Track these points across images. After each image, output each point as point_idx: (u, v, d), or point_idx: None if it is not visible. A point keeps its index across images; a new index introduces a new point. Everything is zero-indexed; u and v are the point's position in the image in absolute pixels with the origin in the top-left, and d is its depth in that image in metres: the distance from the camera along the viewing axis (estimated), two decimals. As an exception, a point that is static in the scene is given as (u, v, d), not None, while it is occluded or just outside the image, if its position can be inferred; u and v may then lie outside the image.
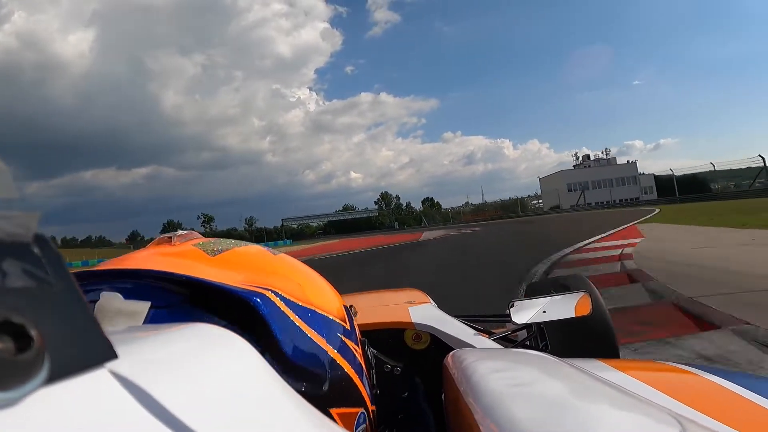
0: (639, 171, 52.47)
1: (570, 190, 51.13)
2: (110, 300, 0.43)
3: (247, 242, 0.60)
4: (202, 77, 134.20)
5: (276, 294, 0.47)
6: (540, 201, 59.53)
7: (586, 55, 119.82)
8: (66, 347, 0.16)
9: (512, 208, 55.39)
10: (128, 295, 0.44)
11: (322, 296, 0.56)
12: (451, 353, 0.62)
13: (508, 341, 1.19)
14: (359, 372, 0.56)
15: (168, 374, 0.23)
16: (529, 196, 58.41)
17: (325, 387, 0.49)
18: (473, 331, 1.06)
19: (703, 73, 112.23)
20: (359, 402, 0.54)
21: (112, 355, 0.18)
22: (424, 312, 1.13)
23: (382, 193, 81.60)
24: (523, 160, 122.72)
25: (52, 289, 0.17)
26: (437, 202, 72.93)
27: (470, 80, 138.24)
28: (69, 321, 0.17)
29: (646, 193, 48.08)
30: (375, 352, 0.84)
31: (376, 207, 78.59)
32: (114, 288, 0.44)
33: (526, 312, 1.02)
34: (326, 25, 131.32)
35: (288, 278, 0.53)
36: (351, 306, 0.88)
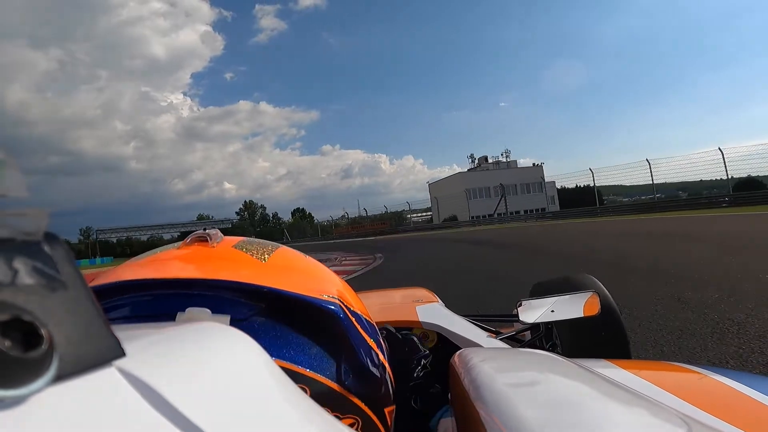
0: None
1: (472, 197, 39.77)
2: (199, 315, 0.42)
3: (276, 244, 0.59)
4: (57, 74, 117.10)
5: (341, 302, 0.47)
6: (423, 214, 46.89)
7: (458, 76, 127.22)
8: (75, 345, 0.17)
9: (395, 221, 43.38)
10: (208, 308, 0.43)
11: (357, 300, 0.56)
12: (457, 352, 0.62)
13: (515, 341, 1.17)
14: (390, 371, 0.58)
15: (177, 372, 0.23)
16: (405, 210, 44.37)
17: (383, 389, 0.51)
18: (480, 331, 1.06)
19: (556, 100, 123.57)
20: (394, 399, 0.56)
21: (121, 353, 0.18)
22: (431, 311, 1.12)
23: (245, 201, 74.77)
24: (399, 175, 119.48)
25: (62, 288, 0.17)
26: (309, 213, 62.13)
27: (351, 94, 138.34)
28: (78, 319, 0.17)
29: (552, 203, 40.28)
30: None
31: (238, 217, 71.48)
32: (195, 301, 0.42)
33: (534, 311, 0.99)
34: (208, 28, 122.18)
35: (335, 283, 0.53)
36: None
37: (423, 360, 0.83)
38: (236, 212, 72.83)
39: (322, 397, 0.43)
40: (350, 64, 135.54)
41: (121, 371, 0.19)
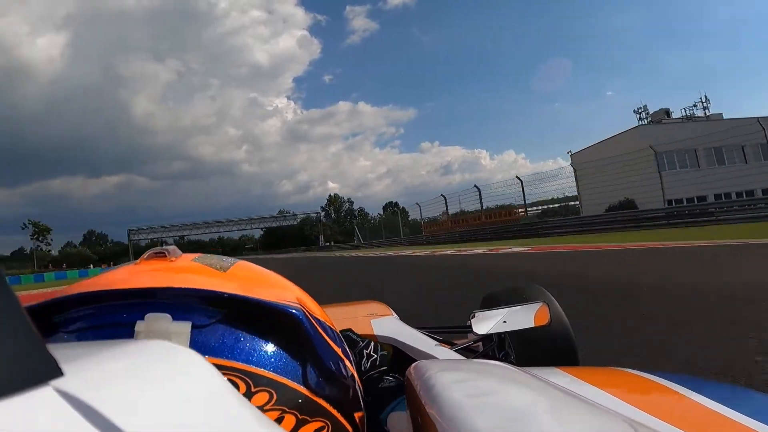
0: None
1: (667, 166, 21.71)
2: (159, 321, 0.42)
3: (235, 258, 0.59)
4: (176, 84, 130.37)
5: (303, 307, 0.48)
6: (545, 206, 27.57)
7: (557, 67, 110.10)
8: (7, 366, 0.16)
9: (502, 215, 26.96)
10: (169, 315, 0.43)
11: (319, 309, 0.58)
12: (413, 365, 0.62)
13: (469, 351, 1.21)
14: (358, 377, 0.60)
15: (118, 390, 0.23)
16: (512, 204, 27.02)
17: (351, 393, 0.52)
18: (435, 343, 1.08)
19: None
20: (363, 405, 0.58)
21: (58, 372, 0.18)
22: (386, 324, 1.16)
23: (330, 195, 70.94)
24: (500, 170, 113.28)
25: None
26: (402, 208, 47.26)
27: (447, 90, 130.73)
28: (11, 339, 0.17)
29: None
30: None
31: (323, 212, 66.83)
32: (154, 308, 0.42)
33: (487, 322, 1.03)
34: (305, 32, 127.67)
35: (294, 291, 0.55)
36: None
37: (364, 351, 0.86)
38: (321, 207, 70.23)
39: (290, 401, 0.44)
40: (444, 60, 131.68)
41: (59, 391, 0.19)
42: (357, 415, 0.53)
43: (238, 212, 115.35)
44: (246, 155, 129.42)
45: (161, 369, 0.28)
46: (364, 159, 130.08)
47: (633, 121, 32.53)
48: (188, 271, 0.50)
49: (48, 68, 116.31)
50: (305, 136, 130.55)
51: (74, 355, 0.27)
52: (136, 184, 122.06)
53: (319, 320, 0.52)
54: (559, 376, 0.58)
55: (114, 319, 0.42)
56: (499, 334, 1.14)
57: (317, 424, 0.46)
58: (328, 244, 54.26)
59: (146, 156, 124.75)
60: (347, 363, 0.54)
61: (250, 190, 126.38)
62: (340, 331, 0.85)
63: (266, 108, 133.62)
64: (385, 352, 0.89)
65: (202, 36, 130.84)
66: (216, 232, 65.37)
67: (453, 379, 0.50)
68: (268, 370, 0.44)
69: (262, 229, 67.87)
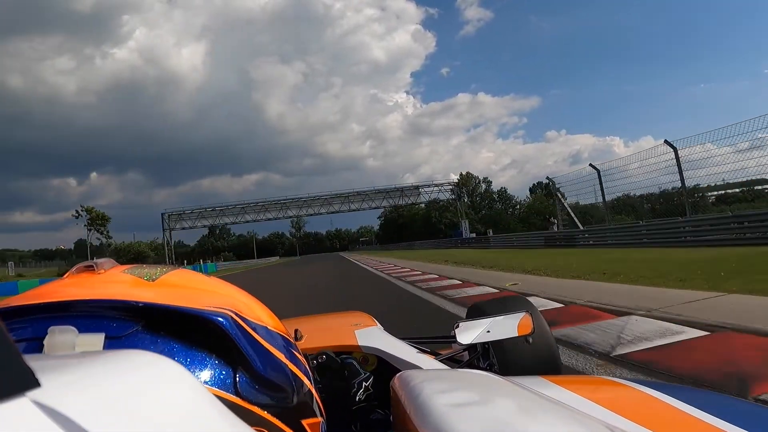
0: None
1: None
2: (63, 334, 0.40)
3: (174, 266, 0.59)
4: (303, 85, 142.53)
5: (234, 312, 0.47)
6: (715, 192, 15.56)
7: (700, 46, 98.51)
8: None
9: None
10: (77, 328, 0.41)
11: (265, 313, 0.57)
12: (397, 375, 0.63)
13: (454, 361, 1.22)
14: (313, 384, 0.58)
15: (96, 401, 0.23)
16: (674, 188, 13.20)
17: (295, 400, 0.51)
18: (419, 353, 1.08)
19: None
20: (320, 412, 0.57)
21: (34, 383, 0.18)
22: (370, 335, 1.16)
23: (462, 174, 54.31)
24: (636, 158, 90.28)
25: None
26: (558, 188, 19.09)
27: (571, 76, 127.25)
28: None
29: None
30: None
31: (451, 196, 51.04)
32: (62, 322, 0.41)
33: (471, 332, 1.04)
34: (418, 27, 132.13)
35: (232, 297, 0.54)
36: (297, 330, 0.93)
37: (364, 383, 0.86)
38: (450, 189, 52.08)
39: None
40: (565, 45, 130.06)
41: (36, 402, 0.19)
42: (307, 422, 0.52)
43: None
44: (370, 150, 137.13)
45: (139, 378, 0.29)
46: (486, 150, 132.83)
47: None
48: (112, 283, 0.49)
49: (193, 76, 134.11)
50: (426, 130, 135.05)
51: (51, 365, 0.27)
52: (271, 181, 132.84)
53: (255, 324, 0.50)
54: (541, 385, 0.60)
55: (22, 334, 0.42)
56: (483, 344, 1.14)
57: None
58: (473, 235, 36.60)
59: (280, 154, 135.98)
60: (292, 368, 0.53)
61: (375, 183, 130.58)
62: (344, 359, 0.92)
63: (387, 104, 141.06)
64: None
65: (321, 37, 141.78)
66: (275, 219, 53.27)
67: (437, 389, 0.50)
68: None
69: (381, 216, 58.74)
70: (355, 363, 0.91)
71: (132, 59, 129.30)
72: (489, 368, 1.19)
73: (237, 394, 0.45)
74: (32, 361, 0.18)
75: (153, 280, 0.51)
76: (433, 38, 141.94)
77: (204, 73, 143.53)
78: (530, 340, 1.10)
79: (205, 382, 0.44)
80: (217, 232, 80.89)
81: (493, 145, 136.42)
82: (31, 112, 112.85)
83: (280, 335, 0.56)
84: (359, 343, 1.07)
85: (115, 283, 0.50)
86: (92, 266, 0.51)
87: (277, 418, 0.47)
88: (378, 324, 1.33)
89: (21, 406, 0.18)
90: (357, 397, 0.84)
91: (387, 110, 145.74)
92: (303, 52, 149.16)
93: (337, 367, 0.90)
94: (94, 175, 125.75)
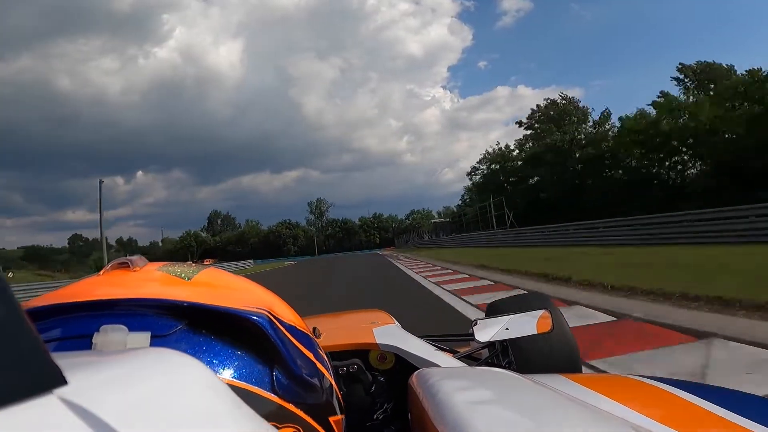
0: None
1: None
2: (115, 332, 0.41)
3: (199, 264, 0.59)
4: (340, 80, 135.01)
5: (269, 312, 0.48)
6: None
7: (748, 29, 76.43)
8: (11, 374, 0.16)
9: None
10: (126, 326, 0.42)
11: (291, 312, 0.58)
12: (415, 373, 0.63)
13: (472, 359, 1.22)
14: (335, 382, 0.60)
15: (123, 399, 0.23)
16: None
17: (324, 397, 0.52)
18: (437, 351, 1.07)
19: None
20: (342, 409, 0.59)
21: (62, 381, 0.18)
22: (388, 332, 1.15)
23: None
24: None
25: None
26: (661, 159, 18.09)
27: (616, 66, 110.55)
28: (14, 348, 0.17)
29: None
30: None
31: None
32: (109, 320, 0.42)
33: (489, 330, 1.04)
34: (454, 20, 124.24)
35: (264, 296, 0.55)
36: (315, 328, 0.92)
37: (386, 405, 0.87)
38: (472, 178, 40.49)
39: (257, 408, 0.43)
40: (609, 35, 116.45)
41: (64, 400, 0.19)
42: (333, 419, 0.54)
43: (402, 203, 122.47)
44: (408, 145, 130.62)
45: (164, 376, 0.29)
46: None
47: None
48: (149, 281, 0.50)
49: (232, 74, 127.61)
50: (465, 124, 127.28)
51: (77, 363, 0.27)
52: (310, 177, 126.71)
53: (289, 325, 0.52)
54: (561, 383, 0.59)
55: (71, 331, 0.43)
56: (501, 342, 1.14)
57: (289, 431, 0.46)
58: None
59: (319, 150, 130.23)
60: (320, 366, 0.55)
61: (413, 179, 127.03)
62: (375, 375, 0.92)
63: (424, 98, 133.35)
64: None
65: (357, 32, 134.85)
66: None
67: (456, 387, 0.51)
68: (233, 378, 0.44)
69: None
70: (383, 382, 0.92)
71: (173, 58, 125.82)
72: (508, 366, 1.19)
73: (274, 392, 0.46)
74: (60, 359, 0.18)
75: (189, 279, 0.52)
76: (469, 31, 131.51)
77: (242, 70, 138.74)
78: (550, 337, 1.10)
79: (245, 381, 0.45)
80: (219, 222, 70.59)
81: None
82: (79, 113, 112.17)
83: (311, 336, 0.57)
84: (377, 341, 1.07)
85: (152, 281, 0.51)
86: (127, 263, 0.52)
87: (308, 415, 0.48)
88: (396, 321, 1.33)
89: (48, 403, 0.18)
90: (375, 415, 0.85)
91: (424, 105, 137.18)
92: (339, 48, 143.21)
93: (366, 381, 0.91)
94: (140, 173, 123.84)
